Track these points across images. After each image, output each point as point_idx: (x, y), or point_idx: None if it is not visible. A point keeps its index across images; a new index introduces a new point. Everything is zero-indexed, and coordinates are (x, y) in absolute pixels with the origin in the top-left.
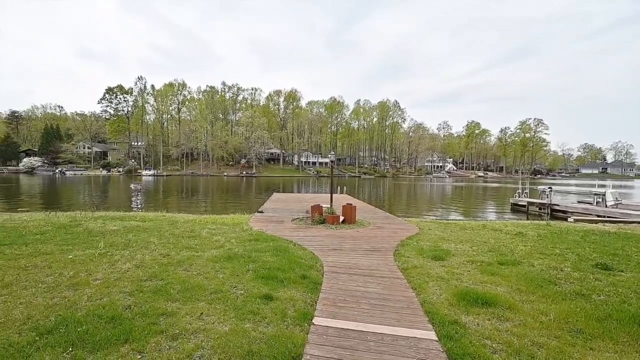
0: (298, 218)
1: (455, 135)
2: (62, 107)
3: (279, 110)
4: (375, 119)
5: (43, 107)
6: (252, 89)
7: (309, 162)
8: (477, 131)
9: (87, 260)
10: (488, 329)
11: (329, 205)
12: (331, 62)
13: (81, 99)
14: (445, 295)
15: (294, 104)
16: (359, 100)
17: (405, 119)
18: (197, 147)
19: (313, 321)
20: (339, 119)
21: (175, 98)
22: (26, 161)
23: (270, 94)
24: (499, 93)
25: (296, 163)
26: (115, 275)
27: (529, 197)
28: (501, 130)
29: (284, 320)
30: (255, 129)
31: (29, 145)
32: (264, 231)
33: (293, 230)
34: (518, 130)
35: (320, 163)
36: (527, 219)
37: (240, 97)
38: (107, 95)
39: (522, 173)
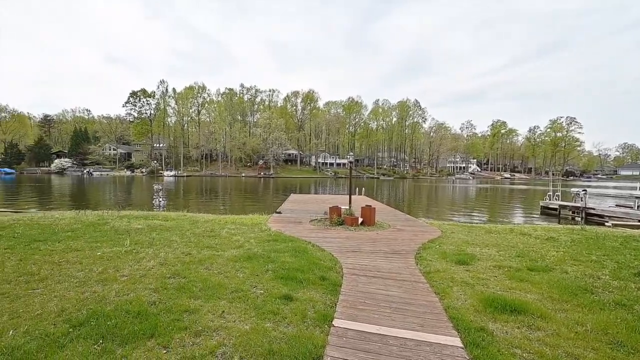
0: (316, 219)
1: (480, 135)
2: (89, 111)
3: (296, 111)
4: (394, 119)
5: (72, 110)
6: (270, 91)
7: (326, 163)
8: (503, 131)
9: (115, 257)
10: (517, 337)
11: (347, 207)
12: (349, 62)
13: (107, 102)
14: (471, 301)
15: (312, 104)
16: (378, 100)
17: (426, 119)
18: (216, 149)
19: (333, 323)
20: (357, 120)
21: (195, 100)
22: (57, 162)
23: (287, 95)
24: (527, 90)
25: (313, 164)
26: (140, 272)
27: (561, 200)
28: (530, 130)
29: (303, 321)
30: (272, 130)
31: (59, 147)
32: (283, 232)
33: (311, 231)
34: (548, 130)
35: (338, 164)
36: (559, 223)
37: (258, 99)
38: (131, 99)
39: (553, 174)
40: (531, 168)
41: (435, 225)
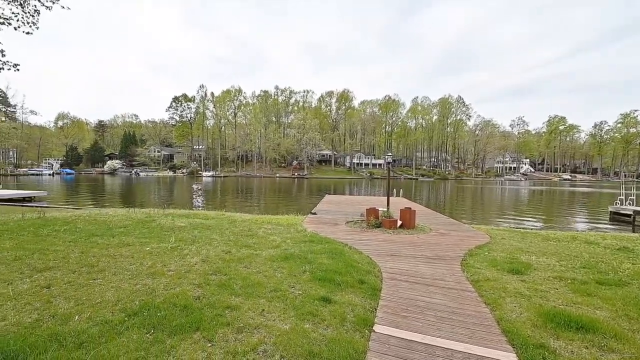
0: (352, 221)
1: (534, 132)
2: (137, 116)
3: (330, 111)
4: (435, 117)
5: (122, 116)
6: (304, 91)
7: (361, 164)
8: (561, 127)
9: (162, 253)
10: (586, 358)
11: (385, 208)
12: (386, 60)
13: (152, 107)
14: (527, 314)
15: (346, 104)
16: (417, 97)
17: (470, 116)
18: (251, 150)
19: (374, 329)
20: (394, 119)
21: (232, 103)
22: (109, 163)
23: (322, 95)
24: (590, 82)
25: (348, 164)
26: (185, 268)
27: (636, 205)
28: (595, 126)
29: (343, 325)
30: (307, 130)
31: (111, 149)
32: (318, 233)
33: (347, 233)
34: (619, 125)
35: (374, 164)
36: (634, 232)
37: (292, 100)
38: (173, 104)
39: (625, 176)
40: (596, 168)
41: (482, 230)
